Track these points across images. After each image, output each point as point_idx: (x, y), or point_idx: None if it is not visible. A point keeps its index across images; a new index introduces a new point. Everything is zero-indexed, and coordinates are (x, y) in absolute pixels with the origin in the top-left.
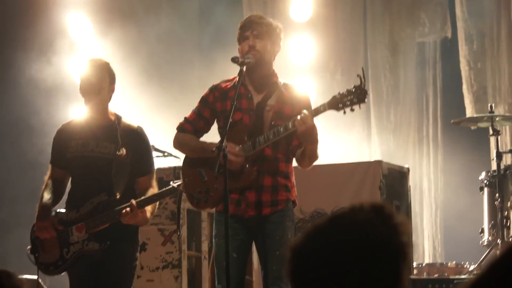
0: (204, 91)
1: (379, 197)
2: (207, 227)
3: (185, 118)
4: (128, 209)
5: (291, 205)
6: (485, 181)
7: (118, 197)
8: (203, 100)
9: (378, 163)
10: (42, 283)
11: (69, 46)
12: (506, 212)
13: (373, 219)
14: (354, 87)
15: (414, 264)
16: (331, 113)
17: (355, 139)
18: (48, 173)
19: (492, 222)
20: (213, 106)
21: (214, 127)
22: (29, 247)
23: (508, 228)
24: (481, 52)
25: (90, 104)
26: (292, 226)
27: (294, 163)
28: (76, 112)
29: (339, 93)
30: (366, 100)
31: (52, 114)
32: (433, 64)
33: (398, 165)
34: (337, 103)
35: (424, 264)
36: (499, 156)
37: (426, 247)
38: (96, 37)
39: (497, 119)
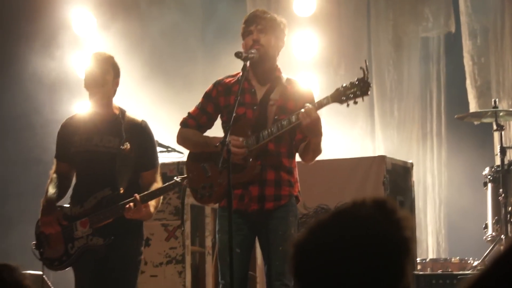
0: (207, 86)
1: (383, 192)
2: (210, 223)
3: (189, 113)
4: (131, 203)
5: (294, 201)
6: (489, 177)
7: (122, 191)
8: (207, 95)
9: (382, 158)
10: (45, 279)
11: (72, 40)
12: (510, 208)
13: (376, 214)
14: (357, 79)
15: (418, 260)
16: (334, 108)
17: (359, 134)
18: (53, 167)
19: (496, 218)
20: (217, 101)
21: (218, 122)
22: (33, 242)
23: None
24: (484, 47)
25: (94, 98)
26: (295, 222)
27: (297, 158)
28: (80, 107)
29: (342, 86)
30: (369, 92)
31: (56, 109)
32: (437, 59)
33: (402, 161)
34: (340, 96)
35: (427, 260)
36: (503, 151)
37: (430, 242)
38: (99, 32)
39: (501, 114)
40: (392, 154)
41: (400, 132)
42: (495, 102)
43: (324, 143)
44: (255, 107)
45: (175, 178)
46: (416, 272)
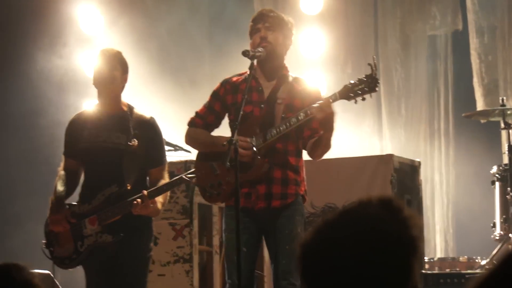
0: (215, 85)
1: (390, 191)
2: (218, 222)
3: (196, 112)
4: (139, 200)
5: (300, 199)
6: (497, 175)
7: (129, 188)
8: (214, 94)
9: (389, 157)
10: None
11: (80, 38)
12: None
13: (383, 213)
14: (365, 76)
15: (426, 259)
16: (342, 107)
17: (366, 133)
18: (62, 164)
19: (504, 216)
20: (224, 99)
21: (226, 121)
22: (43, 241)
23: None
24: (492, 45)
25: (103, 95)
26: (301, 220)
27: (305, 157)
28: (88, 104)
29: (350, 82)
30: (377, 89)
31: (64, 107)
32: (444, 57)
33: (409, 159)
34: (348, 93)
35: (435, 259)
36: (511, 149)
37: (438, 241)
38: (106, 30)
39: (508, 112)
40: (400, 152)
41: (408, 131)
42: (502, 100)
43: (332, 142)
44: (262, 105)
45: (182, 175)
46: (424, 271)
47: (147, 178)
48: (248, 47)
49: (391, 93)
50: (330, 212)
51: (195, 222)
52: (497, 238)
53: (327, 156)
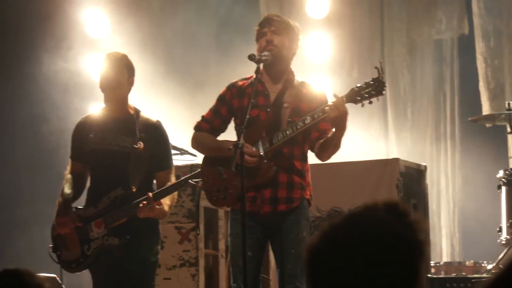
0: (221, 89)
1: (396, 195)
2: (224, 226)
3: (202, 116)
4: (144, 202)
5: (306, 204)
6: (503, 179)
7: (134, 190)
8: (220, 98)
9: (395, 161)
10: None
11: (86, 42)
12: None
13: (389, 217)
14: (372, 79)
15: (432, 263)
16: (348, 111)
17: (372, 137)
18: (68, 167)
19: (510, 221)
20: (230, 103)
21: (232, 125)
22: (50, 245)
23: None
24: (498, 49)
25: (109, 99)
26: (307, 225)
27: (310, 161)
28: (95, 108)
29: (357, 86)
30: (384, 92)
31: (71, 111)
32: (451, 61)
33: (416, 163)
34: (355, 96)
35: (442, 263)
36: None
37: (444, 245)
38: (112, 33)
39: None
40: (406, 156)
41: (414, 135)
42: (509, 104)
43: (342, 142)
44: (268, 109)
45: (189, 181)
46: (430, 275)
47: (154, 181)
48: (254, 50)
49: (397, 97)
50: (336, 216)
51: (201, 226)
52: (503, 242)
53: (333, 160)
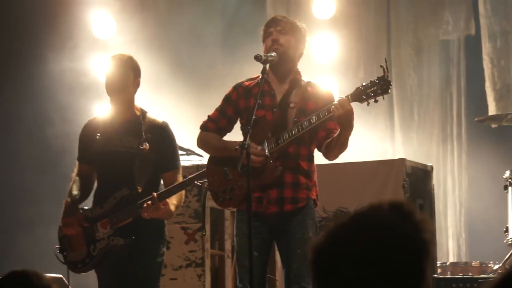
0: (227, 89)
1: (403, 195)
2: (230, 226)
3: (208, 116)
4: (149, 202)
5: (312, 204)
6: (510, 180)
7: (140, 191)
8: (227, 98)
9: (402, 161)
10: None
11: (92, 42)
12: None
13: (394, 217)
14: (377, 78)
15: (438, 263)
16: (354, 111)
17: (379, 137)
18: (75, 169)
19: None
20: (237, 103)
21: (237, 125)
22: (57, 246)
23: None
24: (504, 49)
25: (115, 102)
26: (313, 225)
27: (317, 161)
28: (101, 109)
29: (362, 84)
30: (389, 91)
31: (76, 112)
32: (457, 62)
33: (422, 164)
34: (361, 95)
35: (448, 263)
36: None
37: (451, 246)
38: (118, 33)
39: None
40: (412, 157)
41: (420, 135)
42: None
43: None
44: (274, 110)
45: (195, 181)
46: (436, 276)
47: (161, 182)
48: (261, 51)
49: (403, 98)
50: (342, 216)
51: (207, 226)
52: (510, 243)
53: (339, 160)
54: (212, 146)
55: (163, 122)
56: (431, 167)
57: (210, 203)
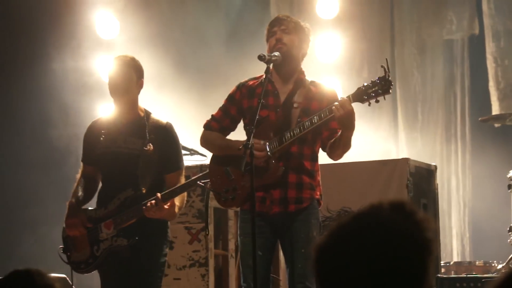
0: (230, 89)
1: (406, 195)
2: (233, 226)
3: (212, 116)
4: (153, 202)
5: (315, 204)
6: None
7: (144, 192)
8: (230, 98)
9: (405, 161)
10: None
11: (95, 41)
12: None
13: (396, 216)
14: (379, 78)
15: (442, 263)
16: (358, 111)
17: (382, 137)
18: (80, 171)
19: None
20: (240, 103)
21: (241, 124)
22: (60, 246)
23: None
24: (508, 49)
25: (119, 103)
26: (317, 224)
27: (320, 161)
28: (105, 110)
29: (364, 84)
30: (391, 91)
31: (81, 112)
32: (461, 61)
33: (426, 163)
34: (362, 95)
35: (451, 263)
36: None
37: (454, 245)
38: (121, 33)
39: None
40: (416, 156)
41: (424, 135)
42: None
43: (352, 141)
44: (278, 109)
45: (198, 182)
46: (440, 275)
47: (164, 183)
48: (264, 51)
49: (407, 98)
50: (345, 216)
51: (211, 226)
52: None
53: (343, 160)
54: (215, 145)
55: (167, 123)
56: (435, 166)
57: (214, 203)
